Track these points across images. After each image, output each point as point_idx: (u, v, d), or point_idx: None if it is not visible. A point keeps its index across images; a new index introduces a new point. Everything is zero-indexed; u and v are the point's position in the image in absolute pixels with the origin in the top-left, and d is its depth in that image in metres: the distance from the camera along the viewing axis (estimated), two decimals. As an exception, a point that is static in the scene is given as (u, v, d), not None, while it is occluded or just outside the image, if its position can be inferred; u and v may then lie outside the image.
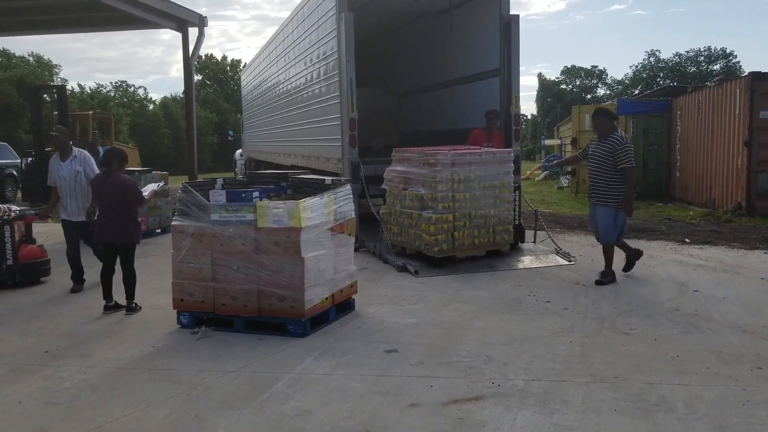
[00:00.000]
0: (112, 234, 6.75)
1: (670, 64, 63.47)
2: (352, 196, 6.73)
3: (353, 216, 6.72)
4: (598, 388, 4.45)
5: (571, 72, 72.66)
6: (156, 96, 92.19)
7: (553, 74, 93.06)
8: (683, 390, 4.40)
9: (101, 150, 12.86)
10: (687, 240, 10.44)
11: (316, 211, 5.89)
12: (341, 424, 3.98)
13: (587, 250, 9.70)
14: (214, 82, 62.99)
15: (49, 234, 12.70)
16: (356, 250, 7.01)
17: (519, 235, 9.59)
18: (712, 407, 4.12)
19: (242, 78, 25.04)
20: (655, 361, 4.98)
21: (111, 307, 6.77)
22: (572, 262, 8.75)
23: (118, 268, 6.84)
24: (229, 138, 29.63)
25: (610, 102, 26.23)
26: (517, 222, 9.38)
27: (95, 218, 7.02)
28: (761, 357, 5.02)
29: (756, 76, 12.97)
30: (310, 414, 4.14)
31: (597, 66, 72.68)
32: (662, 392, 4.36)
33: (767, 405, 4.14)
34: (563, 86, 71.91)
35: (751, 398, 4.24)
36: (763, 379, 4.59)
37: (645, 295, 7.02)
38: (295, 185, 6.88)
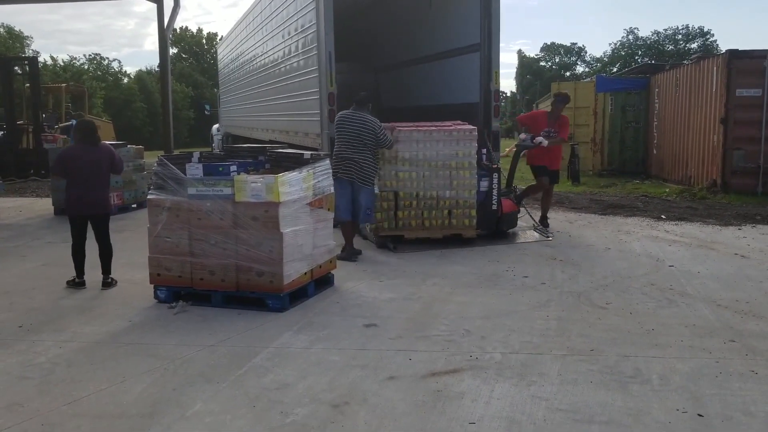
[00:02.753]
0: (96, 206, 6.69)
1: (648, 41, 63.82)
2: (331, 171, 6.68)
3: (332, 191, 6.67)
4: (574, 361, 4.50)
5: (550, 49, 72.78)
6: (131, 69, 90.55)
7: (532, 51, 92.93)
8: (658, 362, 4.46)
9: (75, 123, 12.61)
10: (663, 216, 10.56)
11: (295, 186, 5.84)
12: (320, 397, 3.98)
13: (564, 225, 9.78)
14: (190, 55, 62.15)
15: (22, 208, 12.52)
16: (335, 225, 6.98)
17: (503, 222, 8.72)
18: (686, 379, 4.19)
19: (219, 51, 24.68)
20: (630, 334, 5.04)
21: (79, 284, 6.65)
22: (549, 238, 8.81)
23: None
24: (206, 113, 29.25)
25: (589, 79, 26.23)
26: (494, 207, 8.52)
27: None
28: (734, 330, 5.11)
29: (733, 54, 13.06)
30: (289, 387, 4.14)
31: (576, 43, 73.05)
32: (637, 364, 4.42)
33: (740, 377, 4.22)
34: (543, 63, 72.05)
35: (724, 370, 4.32)
36: (735, 351, 4.67)
37: (621, 270, 7.10)
38: (273, 159, 6.82)
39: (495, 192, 8.50)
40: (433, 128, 8.29)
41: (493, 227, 8.68)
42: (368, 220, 7.89)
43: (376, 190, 7.98)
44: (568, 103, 9.73)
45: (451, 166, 8.22)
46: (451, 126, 8.44)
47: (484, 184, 8.47)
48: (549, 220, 9.63)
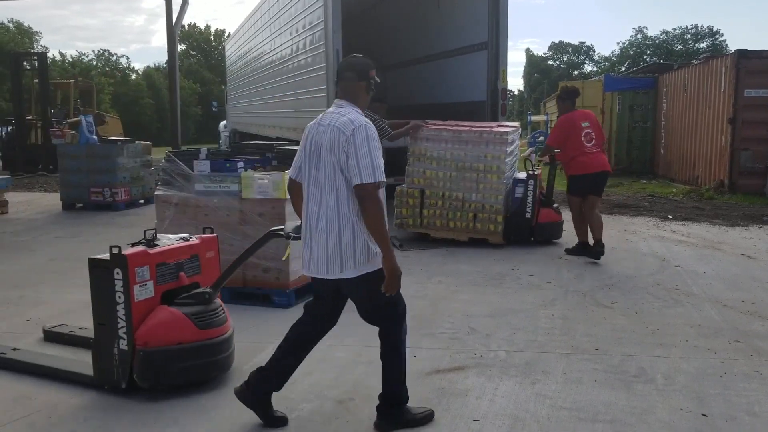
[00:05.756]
0: None
1: (657, 41, 63.62)
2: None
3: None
4: (579, 360, 4.51)
5: (558, 48, 72.65)
6: (139, 65, 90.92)
7: (540, 50, 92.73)
8: (662, 362, 4.47)
9: (84, 118, 12.64)
10: (669, 216, 10.54)
11: (302, 183, 5.85)
12: (325, 393, 4.01)
13: (570, 225, 9.74)
14: (197, 52, 62.26)
15: (30, 203, 12.60)
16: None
17: (537, 232, 8.28)
18: (691, 379, 4.19)
19: (227, 48, 24.71)
20: (635, 333, 5.05)
21: None
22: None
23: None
24: (214, 109, 29.32)
25: (596, 78, 26.18)
26: (528, 215, 8.16)
27: None
28: (739, 330, 5.11)
29: (741, 54, 13.00)
30: (295, 383, 4.14)
31: (584, 42, 72.94)
32: (642, 364, 4.43)
33: (744, 377, 4.22)
34: (550, 62, 71.95)
35: (728, 370, 4.32)
36: (740, 351, 4.67)
37: (627, 269, 7.09)
38: (280, 156, 6.83)
39: (530, 200, 8.14)
40: (464, 128, 8.07)
41: (526, 236, 8.25)
42: None
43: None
44: (570, 97, 7.54)
45: (478, 169, 7.96)
46: (481, 127, 8.21)
47: (520, 190, 8.17)
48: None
